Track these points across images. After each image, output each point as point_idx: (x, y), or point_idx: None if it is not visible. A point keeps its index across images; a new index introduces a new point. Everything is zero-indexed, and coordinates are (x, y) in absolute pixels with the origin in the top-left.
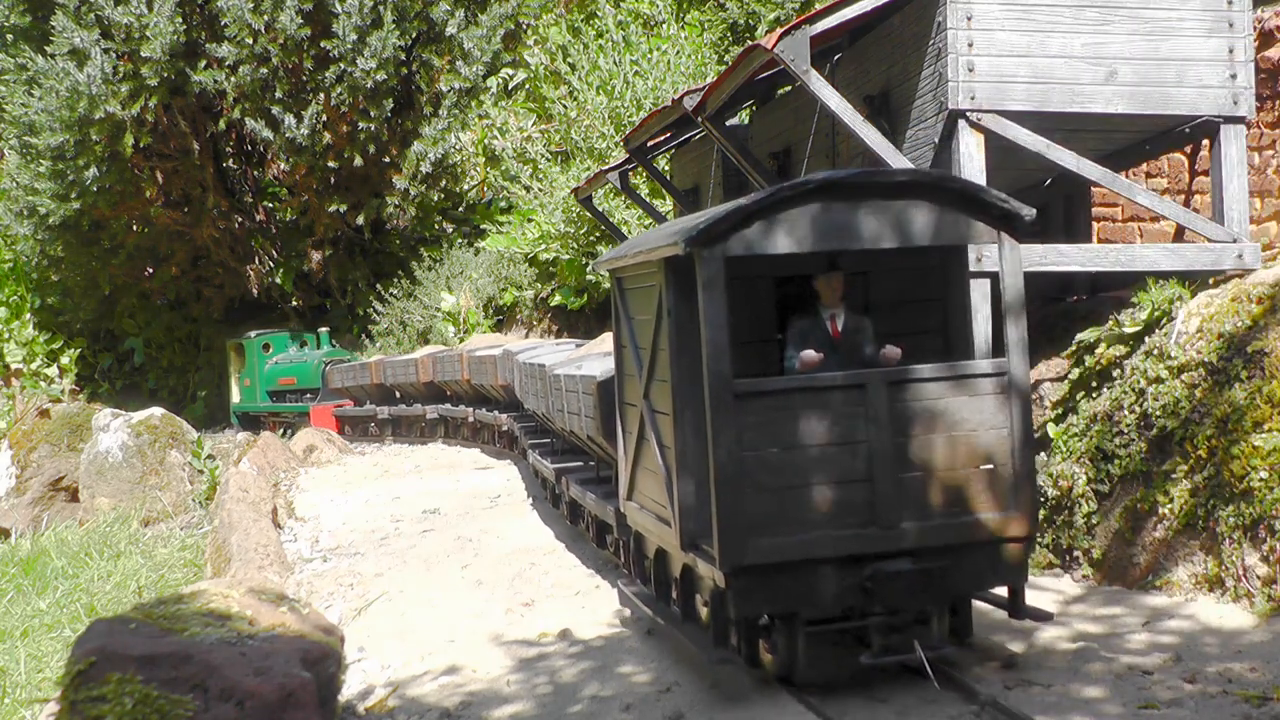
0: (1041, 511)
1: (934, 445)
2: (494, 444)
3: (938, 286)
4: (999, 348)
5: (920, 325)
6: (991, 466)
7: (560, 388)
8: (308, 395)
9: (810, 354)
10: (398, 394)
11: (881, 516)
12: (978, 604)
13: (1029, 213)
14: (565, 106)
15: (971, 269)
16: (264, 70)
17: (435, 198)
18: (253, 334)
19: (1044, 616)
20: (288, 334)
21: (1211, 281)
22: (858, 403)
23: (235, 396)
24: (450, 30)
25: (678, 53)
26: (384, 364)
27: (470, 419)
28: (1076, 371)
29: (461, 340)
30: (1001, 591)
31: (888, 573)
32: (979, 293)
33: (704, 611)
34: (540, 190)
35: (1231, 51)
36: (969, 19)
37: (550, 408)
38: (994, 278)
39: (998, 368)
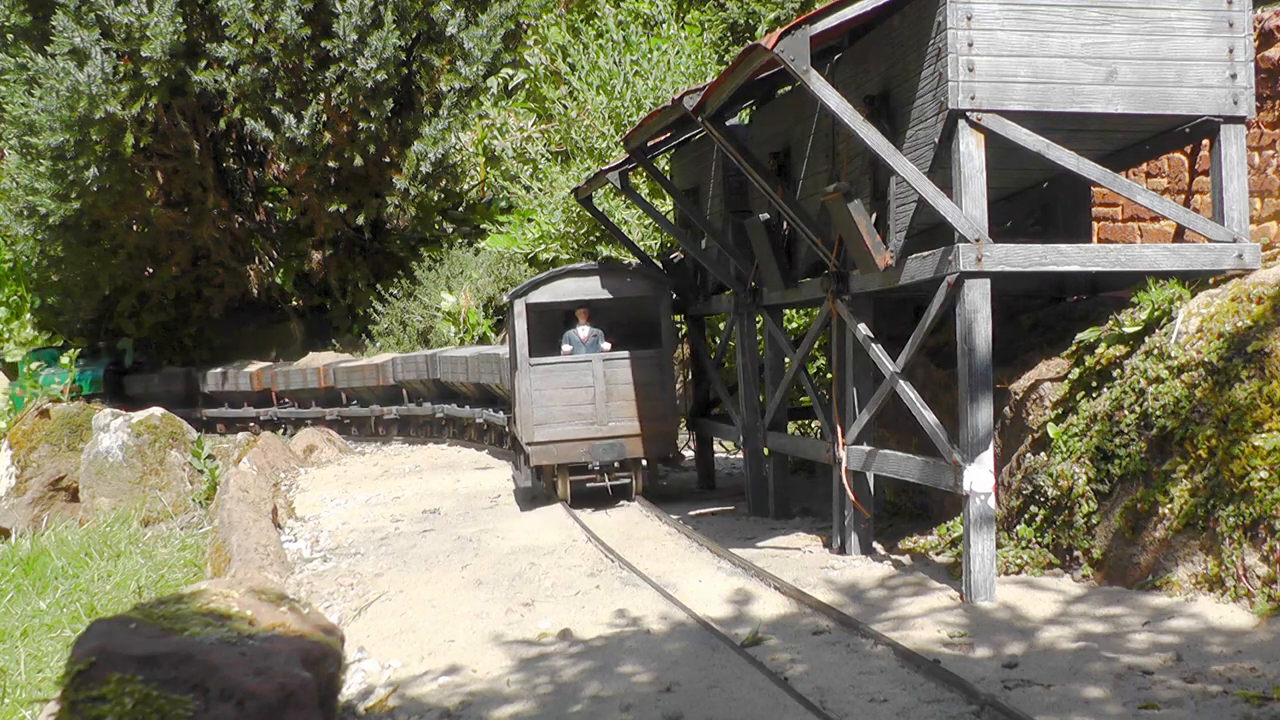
0: (1041, 511)
1: (625, 389)
2: (354, 430)
3: (651, 313)
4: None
5: (640, 332)
6: (652, 399)
7: (492, 363)
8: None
9: (567, 347)
10: (220, 400)
11: (599, 420)
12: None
13: (672, 282)
14: (565, 106)
15: (971, 269)
16: (264, 70)
17: (435, 198)
18: (27, 352)
19: (681, 467)
20: (65, 350)
21: (1211, 281)
22: (589, 370)
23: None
24: (450, 30)
25: (678, 53)
26: (205, 374)
27: (329, 417)
28: (1076, 371)
29: (462, 341)
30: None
31: (600, 445)
32: (979, 292)
33: (528, 470)
34: (540, 190)
35: (1231, 51)
36: (969, 19)
37: (494, 378)
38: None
39: (656, 354)
